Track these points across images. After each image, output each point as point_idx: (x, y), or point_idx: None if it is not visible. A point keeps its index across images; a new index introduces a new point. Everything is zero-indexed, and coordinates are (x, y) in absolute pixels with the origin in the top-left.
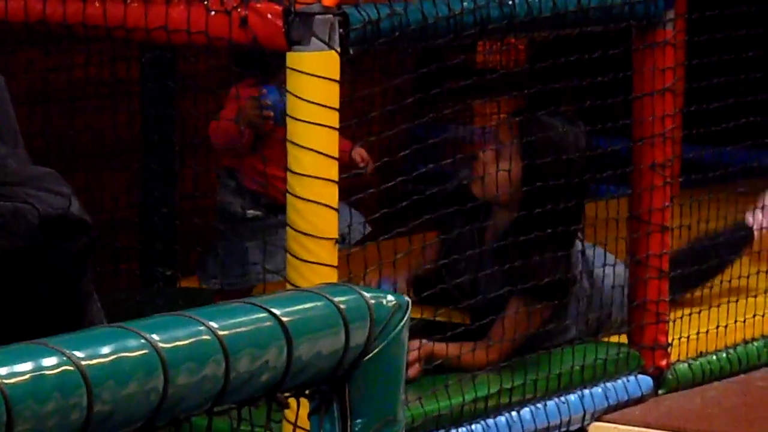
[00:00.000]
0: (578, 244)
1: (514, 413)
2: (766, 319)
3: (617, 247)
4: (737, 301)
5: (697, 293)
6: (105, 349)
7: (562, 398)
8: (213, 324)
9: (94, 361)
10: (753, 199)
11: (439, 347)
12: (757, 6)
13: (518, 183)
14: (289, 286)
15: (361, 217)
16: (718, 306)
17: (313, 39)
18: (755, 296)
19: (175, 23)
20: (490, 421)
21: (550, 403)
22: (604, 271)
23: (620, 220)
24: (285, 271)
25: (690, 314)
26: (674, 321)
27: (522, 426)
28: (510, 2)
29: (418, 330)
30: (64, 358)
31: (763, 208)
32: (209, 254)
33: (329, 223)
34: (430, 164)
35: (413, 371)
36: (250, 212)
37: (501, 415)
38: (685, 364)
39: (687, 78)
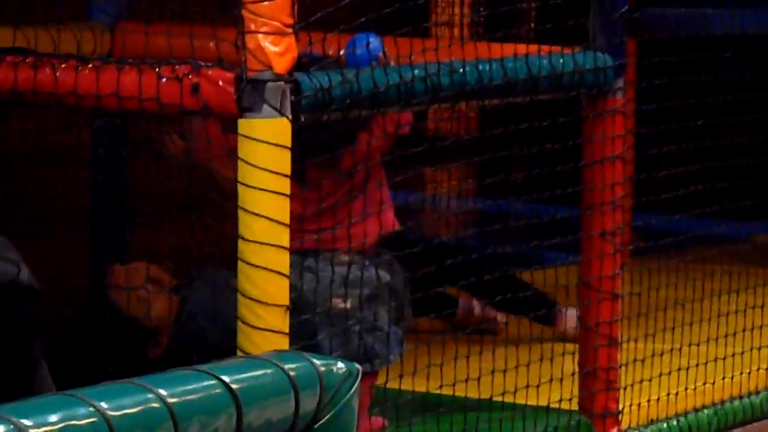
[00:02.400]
0: None
1: None
2: (717, 387)
3: None
4: (688, 368)
5: (648, 360)
6: (53, 417)
7: None
8: (162, 391)
9: (42, 430)
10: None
11: None
12: (705, 74)
13: None
14: (239, 353)
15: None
16: (669, 373)
17: (265, 106)
18: (705, 364)
19: (127, 90)
20: None
21: None
22: None
23: (570, 287)
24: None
25: (641, 381)
26: (625, 388)
27: None
28: (461, 70)
29: None
30: (11, 426)
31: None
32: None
33: (280, 290)
34: None
35: None
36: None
37: None
38: None
39: (636, 146)
